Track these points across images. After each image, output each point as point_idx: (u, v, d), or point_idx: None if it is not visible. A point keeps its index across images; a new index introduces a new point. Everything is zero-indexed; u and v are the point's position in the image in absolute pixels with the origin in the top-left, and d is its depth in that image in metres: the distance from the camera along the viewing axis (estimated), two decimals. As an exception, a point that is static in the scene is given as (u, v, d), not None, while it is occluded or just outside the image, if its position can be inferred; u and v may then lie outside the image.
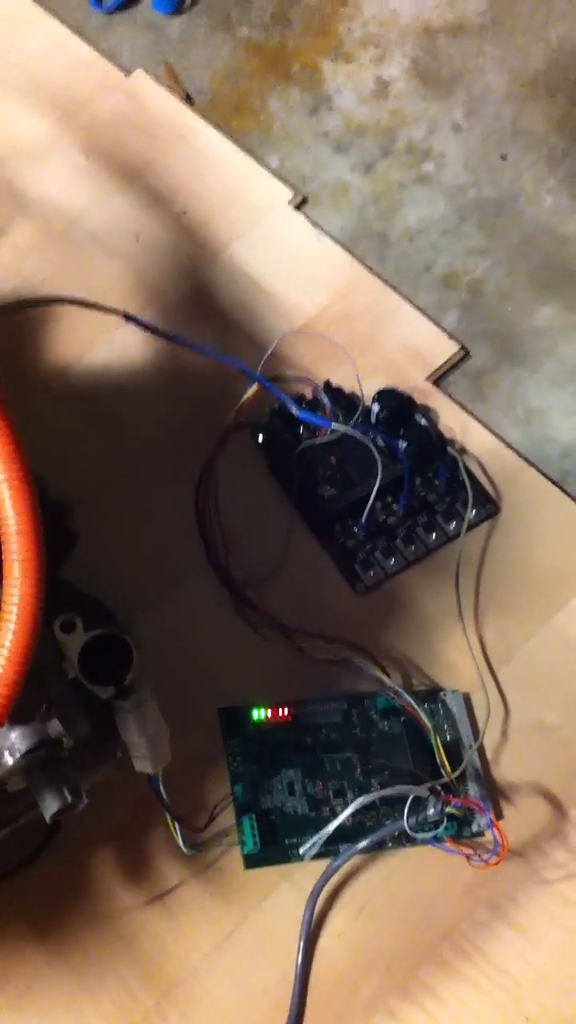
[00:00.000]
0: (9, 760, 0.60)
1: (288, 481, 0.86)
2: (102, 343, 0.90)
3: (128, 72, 1.05)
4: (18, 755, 0.60)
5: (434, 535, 0.85)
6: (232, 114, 1.04)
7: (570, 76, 1.07)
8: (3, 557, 0.54)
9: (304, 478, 0.86)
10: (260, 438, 0.87)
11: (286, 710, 0.77)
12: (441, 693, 0.80)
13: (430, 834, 0.73)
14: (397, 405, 0.88)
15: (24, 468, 0.57)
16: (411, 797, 0.72)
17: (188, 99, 1.04)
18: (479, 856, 0.74)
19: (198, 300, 0.94)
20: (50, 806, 0.61)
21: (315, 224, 0.98)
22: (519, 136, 1.04)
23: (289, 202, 0.99)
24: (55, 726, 0.61)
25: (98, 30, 1.08)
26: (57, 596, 0.59)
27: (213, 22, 1.09)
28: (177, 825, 0.70)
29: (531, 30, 1.10)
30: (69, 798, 0.61)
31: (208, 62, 1.07)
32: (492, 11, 1.11)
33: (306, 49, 1.08)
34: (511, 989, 0.72)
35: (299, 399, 0.88)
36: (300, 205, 1.00)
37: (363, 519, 0.84)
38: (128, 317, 0.83)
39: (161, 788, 0.68)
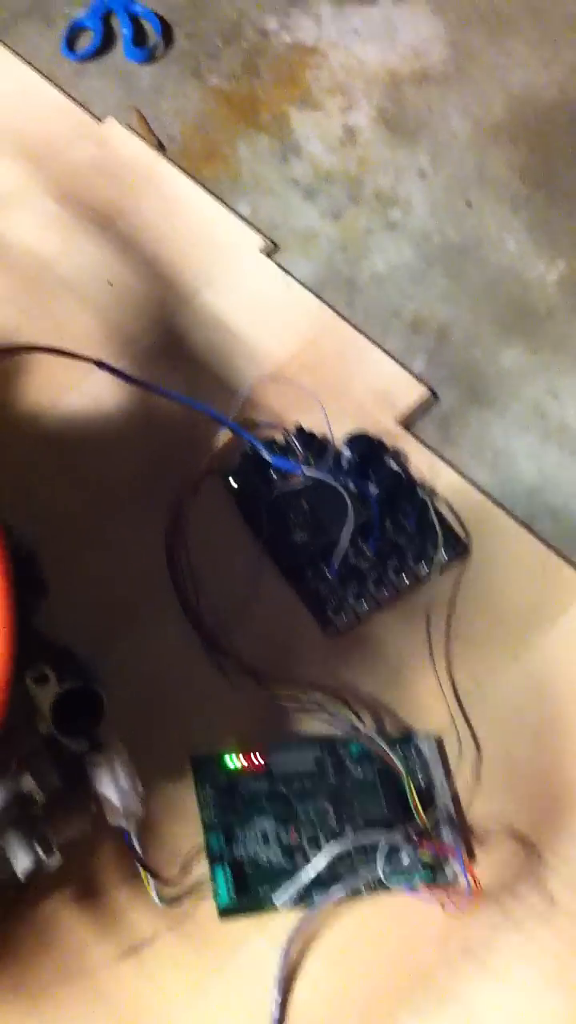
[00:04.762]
0: (-20, 819, 0.56)
1: (260, 526, 0.83)
2: (75, 390, 0.87)
3: (100, 119, 1.02)
4: (-11, 814, 0.56)
5: (405, 577, 0.82)
6: (203, 161, 1.01)
7: (530, 124, 1.05)
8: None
9: (276, 523, 0.83)
10: (232, 483, 0.84)
11: (259, 758, 0.73)
12: (414, 737, 0.77)
13: (404, 881, 0.70)
14: (367, 449, 0.85)
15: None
16: (385, 844, 0.69)
17: (160, 146, 1.01)
18: (453, 902, 0.71)
19: (170, 345, 0.91)
20: (22, 864, 0.58)
21: (285, 270, 0.95)
22: (483, 183, 1.02)
23: (259, 248, 0.96)
24: (27, 782, 0.58)
25: (70, 77, 1.05)
26: (28, 646, 0.56)
27: (184, 71, 1.06)
28: (150, 878, 0.66)
29: (493, 79, 1.08)
30: (42, 856, 0.58)
31: (179, 110, 1.04)
32: (456, 60, 1.08)
33: (275, 98, 1.05)
34: (487, 1036, 0.68)
35: (271, 444, 0.85)
36: (270, 251, 0.97)
37: (334, 563, 0.81)
38: (101, 365, 0.80)
39: (134, 841, 0.64)
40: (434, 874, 0.71)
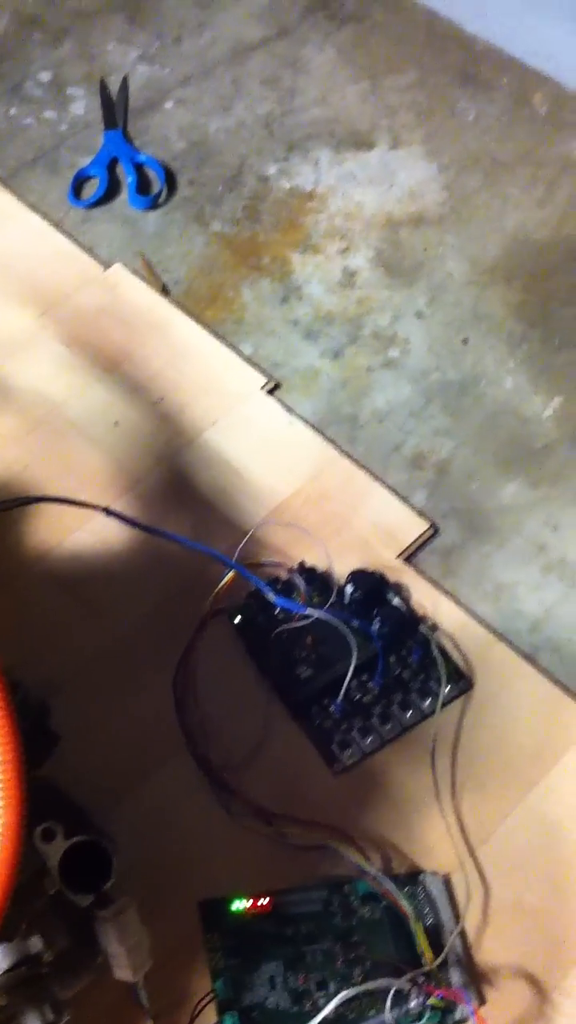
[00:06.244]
0: (-12, 978, 0.55)
1: (265, 662, 0.83)
2: (81, 529, 0.87)
3: (106, 264, 1.04)
4: (-2, 973, 0.55)
5: (409, 713, 0.82)
6: (207, 304, 1.03)
7: (525, 263, 1.07)
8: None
9: (280, 659, 0.82)
10: (237, 619, 0.84)
11: (266, 900, 0.72)
12: (421, 876, 0.75)
13: (413, 1026, 0.69)
14: (370, 586, 0.85)
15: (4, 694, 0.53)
16: (393, 989, 0.68)
17: (165, 290, 1.03)
18: (463, 1047, 0.69)
19: (175, 485, 0.91)
20: (31, 1026, 0.56)
21: (287, 408, 0.96)
22: (479, 321, 1.03)
23: (262, 388, 0.97)
24: (36, 942, 0.57)
25: (77, 224, 1.07)
26: (36, 801, 0.55)
27: (187, 217, 1.08)
28: (159, 1031, 0.65)
29: (488, 220, 1.10)
30: (51, 1016, 0.56)
31: (183, 255, 1.06)
32: (451, 202, 1.10)
33: (276, 242, 1.07)
34: None
35: (274, 582, 0.85)
36: (273, 390, 0.98)
37: (339, 699, 0.80)
38: (109, 512, 0.80)
39: (142, 995, 0.63)
40: (443, 1016, 0.70)
